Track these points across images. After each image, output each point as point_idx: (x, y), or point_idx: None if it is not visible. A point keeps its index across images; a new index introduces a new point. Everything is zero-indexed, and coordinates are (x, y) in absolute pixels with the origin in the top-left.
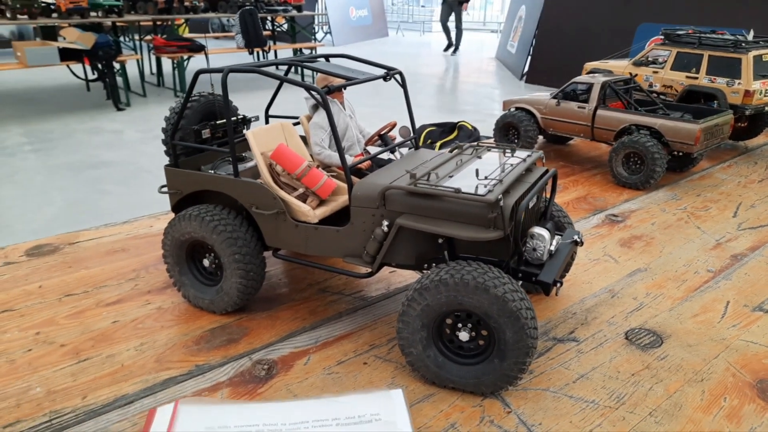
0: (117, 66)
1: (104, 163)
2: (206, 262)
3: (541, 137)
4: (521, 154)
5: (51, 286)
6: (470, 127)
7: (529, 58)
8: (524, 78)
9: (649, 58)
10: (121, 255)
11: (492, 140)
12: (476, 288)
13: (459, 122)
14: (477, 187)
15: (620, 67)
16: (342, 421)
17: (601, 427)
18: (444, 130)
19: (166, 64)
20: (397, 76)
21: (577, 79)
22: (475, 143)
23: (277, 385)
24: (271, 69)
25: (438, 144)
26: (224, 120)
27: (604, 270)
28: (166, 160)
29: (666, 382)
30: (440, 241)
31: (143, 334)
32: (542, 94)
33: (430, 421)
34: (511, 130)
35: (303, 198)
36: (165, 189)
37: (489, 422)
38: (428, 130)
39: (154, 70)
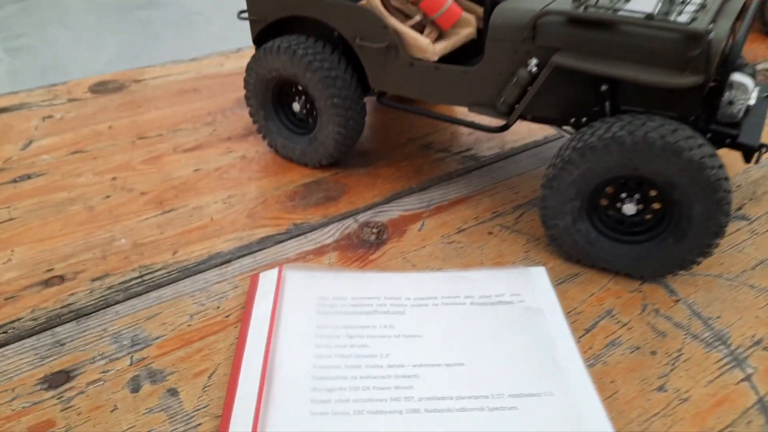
0: None
1: (151, 3)
2: (296, 107)
3: None
4: None
5: (122, 127)
6: None
7: None
8: None
9: None
10: (192, 96)
11: None
12: (663, 150)
13: None
14: (669, 13)
15: None
16: (476, 299)
17: None
18: None
19: None
20: None
21: None
22: None
23: (390, 252)
24: None
25: None
26: None
27: None
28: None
29: None
30: (603, 88)
31: (229, 185)
32: None
33: (579, 306)
34: None
35: (419, 28)
36: (245, 14)
37: (653, 312)
38: None
39: None
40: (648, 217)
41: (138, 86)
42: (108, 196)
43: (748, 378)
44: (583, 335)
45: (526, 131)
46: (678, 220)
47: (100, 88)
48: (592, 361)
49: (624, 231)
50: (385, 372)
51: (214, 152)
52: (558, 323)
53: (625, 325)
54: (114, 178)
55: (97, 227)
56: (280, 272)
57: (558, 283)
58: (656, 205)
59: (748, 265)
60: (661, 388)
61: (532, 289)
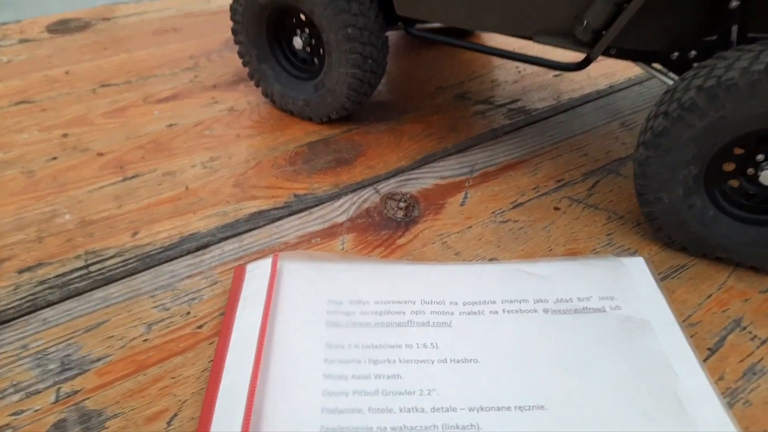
0: None
1: None
2: (298, 43)
3: None
4: None
5: (81, 73)
6: None
7: None
8: None
9: None
10: (172, 36)
11: None
12: None
13: None
14: None
15: None
16: (552, 304)
17: None
18: None
19: None
20: None
21: None
22: None
23: (424, 235)
24: None
25: None
26: None
27: None
28: None
29: None
30: (733, 4)
31: (212, 144)
32: None
33: (693, 313)
34: None
35: None
36: None
37: None
38: None
39: None
40: None
41: (106, 25)
42: (54, 158)
43: None
44: (707, 358)
45: (584, 78)
46: None
47: (60, 27)
48: (728, 398)
49: (756, 208)
50: (428, 420)
51: (194, 103)
52: (674, 340)
53: (765, 342)
54: (65, 135)
55: (34, 198)
56: (275, 263)
57: (659, 279)
58: None
59: None
60: None
61: (629, 289)
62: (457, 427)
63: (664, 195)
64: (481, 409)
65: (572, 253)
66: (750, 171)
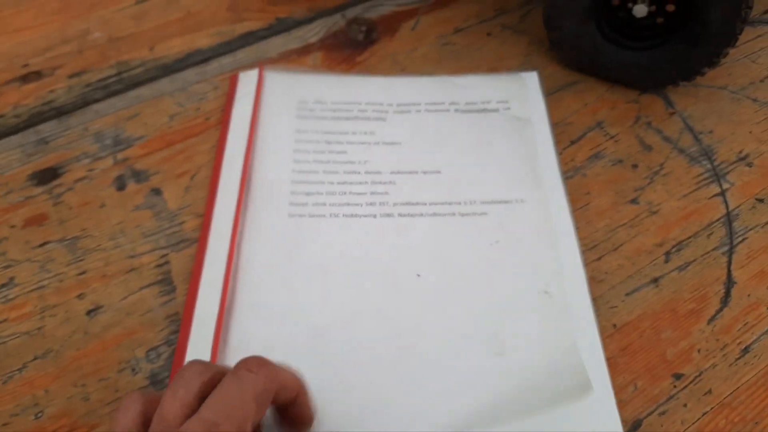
0: None
1: None
2: None
3: None
4: None
5: None
6: None
7: None
8: None
9: None
10: None
11: None
12: None
13: None
14: None
15: None
16: (461, 106)
17: None
18: None
19: None
20: None
21: None
22: None
23: (380, 54)
24: None
25: None
26: None
27: None
28: None
29: None
30: None
31: None
32: None
33: (570, 116)
34: None
35: None
36: None
37: (645, 124)
38: None
39: None
40: (660, 21)
41: None
42: None
43: (722, 193)
44: (567, 147)
45: None
46: (692, 24)
47: None
48: (572, 172)
49: (632, 36)
50: (362, 178)
51: None
52: (543, 133)
53: (612, 137)
54: None
55: (71, 17)
56: (260, 73)
57: (555, 91)
58: (670, 7)
59: (758, 76)
60: (634, 201)
61: (521, 96)
62: (381, 182)
63: (565, 23)
64: (398, 172)
65: (493, 71)
66: (630, 5)
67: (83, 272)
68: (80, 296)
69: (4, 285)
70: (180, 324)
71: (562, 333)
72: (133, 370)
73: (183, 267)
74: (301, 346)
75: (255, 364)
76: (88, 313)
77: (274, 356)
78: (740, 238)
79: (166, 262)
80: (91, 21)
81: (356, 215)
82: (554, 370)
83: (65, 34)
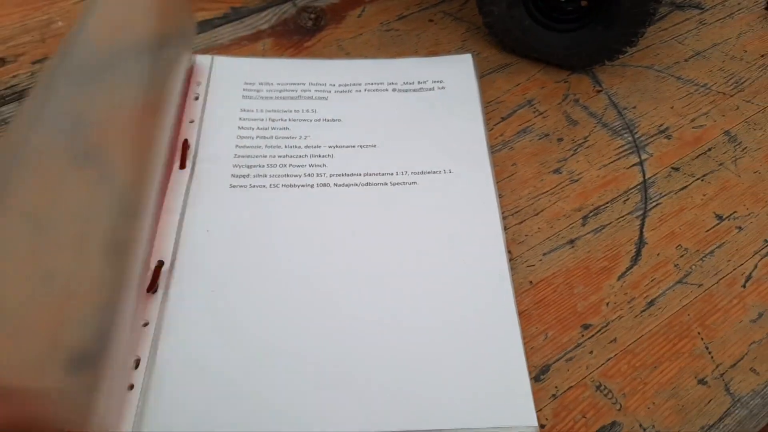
0: None
1: None
2: None
3: None
4: None
5: None
6: None
7: None
8: None
9: None
10: None
11: None
12: None
13: None
14: None
15: None
16: (399, 86)
17: (707, 116)
18: None
19: None
20: None
21: None
22: None
23: (326, 39)
24: None
25: None
26: None
27: None
28: None
29: None
30: None
31: None
32: None
33: (502, 95)
34: None
35: None
36: None
37: (573, 102)
38: None
39: None
40: (584, 3)
41: None
42: None
43: (640, 163)
44: (498, 123)
45: None
46: (608, 6)
47: None
48: (500, 146)
49: (558, 18)
50: (302, 152)
51: None
52: (473, 110)
53: (541, 114)
54: None
55: (33, 8)
56: (211, 61)
57: (488, 72)
58: None
59: (683, 56)
60: (557, 171)
61: (455, 77)
62: (320, 156)
63: (494, 8)
64: (337, 146)
65: (431, 54)
66: None
67: None
68: None
69: None
70: None
71: (478, 290)
72: None
73: None
74: (238, 307)
75: None
76: None
77: (214, 319)
78: (654, 204)
79: None
80: (53, 12)
81: (294, 185)
82: (468, 319)
83: (28, 24)
